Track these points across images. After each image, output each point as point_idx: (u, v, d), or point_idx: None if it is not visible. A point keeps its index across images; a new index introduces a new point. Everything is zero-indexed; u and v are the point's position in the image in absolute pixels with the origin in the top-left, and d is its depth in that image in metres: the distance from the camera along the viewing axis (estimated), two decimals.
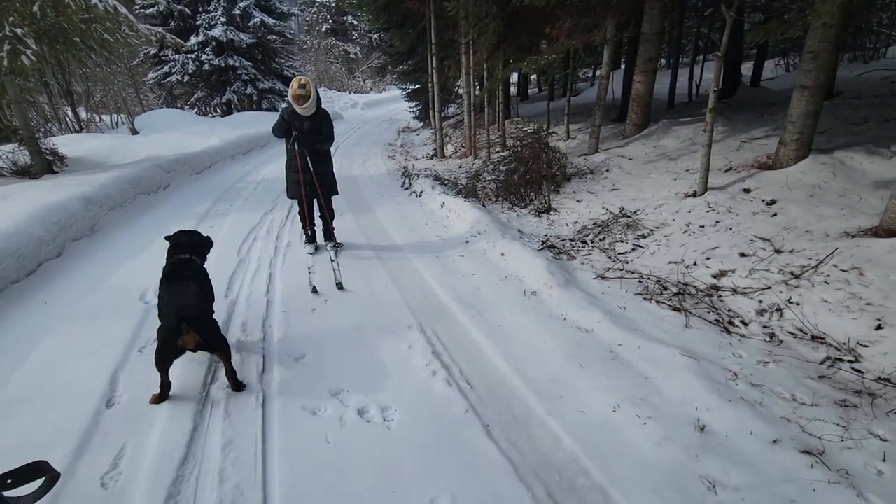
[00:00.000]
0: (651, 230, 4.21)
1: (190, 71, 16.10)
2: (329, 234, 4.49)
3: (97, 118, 16.27)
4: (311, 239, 4.52)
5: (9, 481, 0.60)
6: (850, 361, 2.43)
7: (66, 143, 8.49)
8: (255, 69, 17.09)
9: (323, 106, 4.21)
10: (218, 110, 17.32)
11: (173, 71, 16.24)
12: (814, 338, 2.65)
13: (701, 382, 2.30)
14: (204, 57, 16.11)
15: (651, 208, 4.55)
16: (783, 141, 4.25)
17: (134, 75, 17.79)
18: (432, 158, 9.49)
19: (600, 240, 4.35)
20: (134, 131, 13.37)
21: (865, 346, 2.48)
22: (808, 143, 4.17)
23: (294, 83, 3.86)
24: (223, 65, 16.37)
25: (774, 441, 1.94)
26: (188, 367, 2.68)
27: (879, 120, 4.99)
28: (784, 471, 1.81)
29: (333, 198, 4.46)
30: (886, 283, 2.70)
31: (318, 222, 4.55)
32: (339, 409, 2.35)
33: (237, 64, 16.44)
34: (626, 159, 6.04)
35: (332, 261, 4.10)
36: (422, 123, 14.88)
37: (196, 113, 16.59)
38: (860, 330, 2.56)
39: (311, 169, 4.07)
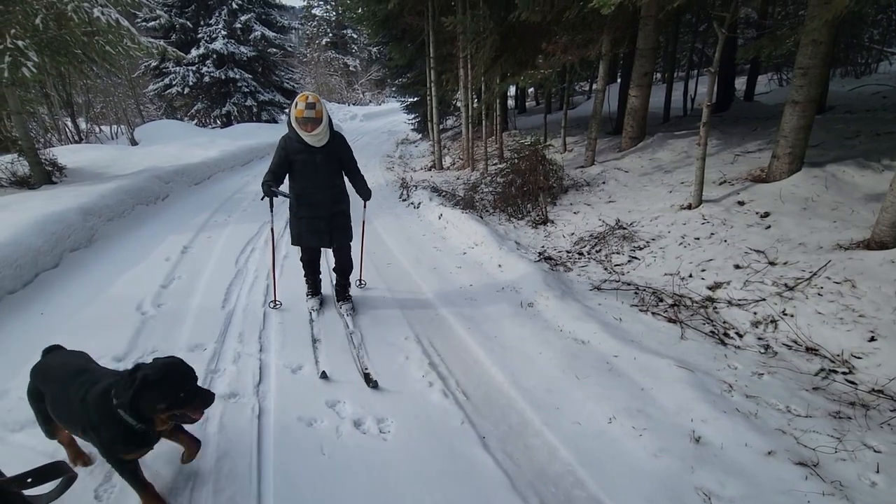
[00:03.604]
0: (647, 242, 4.24)
1: (190, 83, 16.23)
2: (344, 293, 3.55)
3: (97, 129, 16.37)
4: (315, 290, 3.56)
5: (29, 480, 0.62)
6: (843, 373, 2.45)
7: (65, 154, 8.53)
8: (255, 81, 17.25)
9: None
10: (217, 122, 17.43)
11: (174, 83, 16.37)
12: (808, 349, 2.66)
13: (696, 394, 2.31)
14: (204, 69, 16.26)
15: (647, 220, 4.59)
16: (776, 154, 4.31)
17: (134, 87, 17.94)
18: (430, 170, 9.56)
19: (596, 251, 4.38)
20: (133, 142, 13.45)
21: (859, 358, 2.50)
22: (800, 157, 4.24)
23: (299, 102, 2.84)
24: (223, 77, 16.52)
25: (769, 452, 1.94)
26: None
27: (870, 134, 5.06)
28: (779, 482, 1.81)
29: None
30: (878, 296, 2.73)
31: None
32: (335, 420, 2.35)
33: (237, 76, 16.60)
34: (622, 172, 6.10)
35: (349, 333, 3.15)
36: (420, 135, 15.00)
37: (196, 124, 16.70)
38: (854, 342, 2.58)
39: (329, 212, 3.19)
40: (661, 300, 3.38)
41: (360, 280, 3.89)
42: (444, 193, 6.83)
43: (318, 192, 3.13)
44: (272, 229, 3.56)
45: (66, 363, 1.91)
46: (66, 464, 0.66)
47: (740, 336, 2.89)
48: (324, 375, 2.68)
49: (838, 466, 1.87)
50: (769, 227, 3.75)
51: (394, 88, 15.11)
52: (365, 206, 3.48)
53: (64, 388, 1.77)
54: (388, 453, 2.13)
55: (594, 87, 6.81)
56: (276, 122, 18.00)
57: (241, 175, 9.70)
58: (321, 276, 3.62)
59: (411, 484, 1.96)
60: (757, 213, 3.97)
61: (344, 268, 3.48)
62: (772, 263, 3.36)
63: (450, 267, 4.33)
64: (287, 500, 1.88)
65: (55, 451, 2.08)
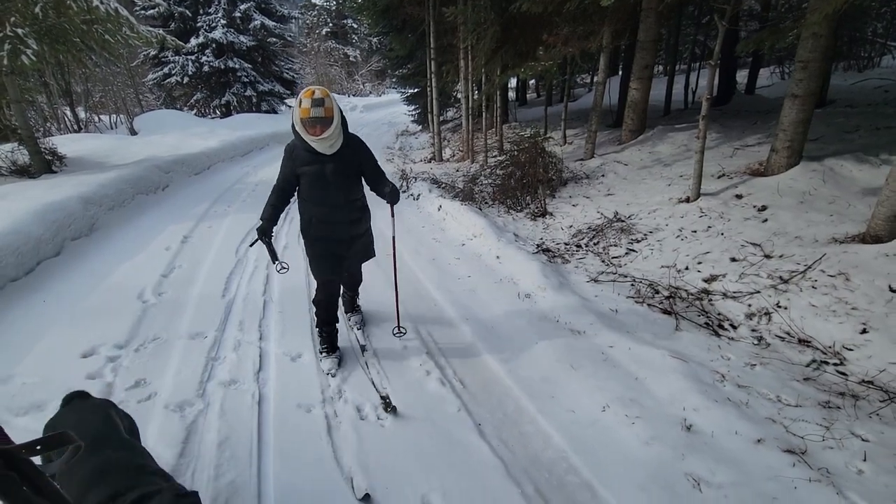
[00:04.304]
0: (644, 235, 4.26)
1: (190, 72, 16.16)
2: (353, 303, 3.26)
3: (96, 118, 16.31)
4: (332, 345, 2.83)
5: (38, 447, 0.65)
6: (834, 364, 2.48)
7: (65, 143, 8.52)
8: (254, 71, 17.17)
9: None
10: (217, 112, 17.38)
11: (173, 72, 16.30)
12: (800, 341, 2.70)
13: (689, 384, 2.34)
14: (204, 59, 16.18)
15: (645, 213, 4.61)
16: (775, 148, 4.32)
17: (133, 76, 17.86)
18: (430, 162, 9.55)
19: (594, 244, 4.40)
20: (133, 132, 13.41)
21: (850, 350, 2.54)
22: (798, 151, 4.24)
23: (303, 99, 2.25)
24: (223, 66, 16.44)
25: (759, 440, 1.98)
26: (186, 365, 2.71)
27: (870, 128, 5.07)
28: (767, 469, 1.85)
29: None
30: (872, 289, 2.76)
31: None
32: (334, 407, 2.39)
33: (237, 66, 16.52)
34: (621, 164, 6.11)
35: (360, 348, 2.92)
36: (420, 127, 14.96)
37: (195, 114, 16.65)
38: (846, 334, 2.61)
39: (347, 234, 2.66)
40: (657, 292, 3.41)
41: (399, 327, 2.99)
42: (443, 185, 6.84)
43: (332, 211, 2.55)
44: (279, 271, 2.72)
45: (84, 424, 1.43)
46: (72, 434, 0.69)
47: (734, 328, 2.93)
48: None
49: (826, 454, 1.91)
50: (766, 220, 3.77)
51: (394, 79, 15.04)
52: (393, 215, 2.78)
53: (71, 472, 1.24)
54: (387, 439, 2.17)
55: (595, 79, 6.78)
56: (276, 112, 17.94)
57: (241, 166, 9.69)
58: (338, 326, 2.90)
59: (408, 469, 2.01)
60: (754, 207, 3.99)
61: (354, 283, 3.13)
62: (767, 256, 3.39)
63: (448, 258, 4.35)
64: (287, 485, 1.93)
65: None
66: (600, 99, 6.57)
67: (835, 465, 1.85)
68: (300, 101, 2.28)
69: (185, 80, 16.38)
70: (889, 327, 2.54)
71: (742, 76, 9.87)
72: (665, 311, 3.15)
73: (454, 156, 9.74)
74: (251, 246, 2.62)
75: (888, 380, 2.30)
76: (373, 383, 2.58)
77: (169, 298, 3.61)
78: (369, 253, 2.91)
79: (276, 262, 2.57)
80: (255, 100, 17.28)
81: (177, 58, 16.15)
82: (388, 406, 2.36)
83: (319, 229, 2.60)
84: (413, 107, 14.81)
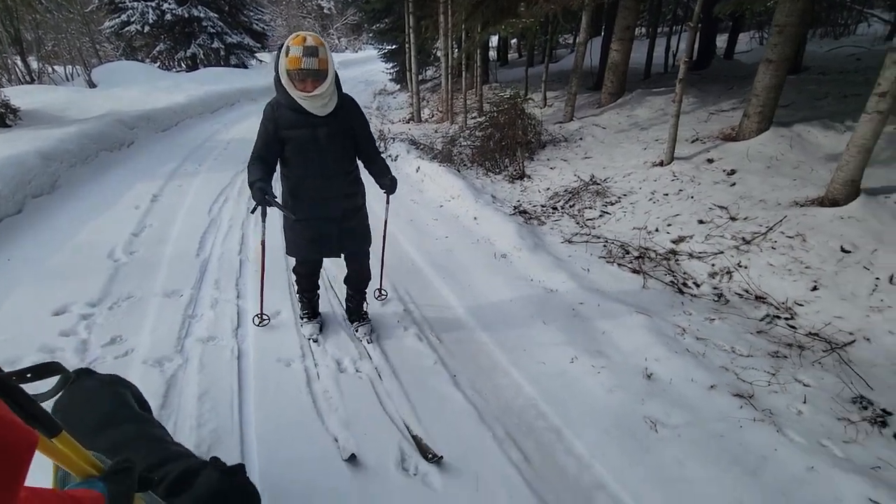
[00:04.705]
0: (619, 198, 4.36)
1: (150, 20, 15.09)
2: (359, 311, 2.74)
3: (49, 69, 15.22)
4: (313, 311, 2.72)
5: (28, 375, 0.67)
6: (786, 319, 2.66)
7: (18, 95, 7.98)
8: (221, 21, 16.16)
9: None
10: (182, 65, 16.42)
11: (132, 20, 15.19)
12: (757, 298, 2.87)
13: (652, 337, 2.49)
14: (166, 5, 15.10)
15: (620, 176, 4.69)
16: (747, 113, 4.40)
17: (89, 23, 16.58)
18: (408, 122, 9.35)
19: (570, 206, 4.48)
20: (91, 84, 12.62)
21: (801, 305, 2.72)
22: (769, 117, 4.34)
23: (292, 46, 1.91)
24: (186, 15, 15.40)
25: (712, 386, 2.15)
26: (162, 323, 2.71)
27: (838, 96, 5.19)
28: (717, 412, 2.02)
29: None
30: (825, 249, 2.93)
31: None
32: (313, 361, 2.45)
33: (202, 15, 15.50)
34: (599, 128, 6.13)
35: (375, 371, 2.39)
36: (398, 86, 14.52)
37: (159, 67, 15.70)
38: (798, 291, 2.79)
39: (340, 210, 2.32)
40: (628, 252, 3.53)
41: (381, 289, 3.01)
42: (421, 146, 6.75)
43: (325, 183, 2.22)
44: (263, 243, 2.44)
45: (94, 401, 1.33)
46: (61, 364, 0.71)
47: (697, 286, 3.08)
48: (353, 457, 1.89)
49: (770, 398, 2.08)
50: (734, 184, 3.90)
51: (371, 34, 14.41)
52: (388, 203, 2.60)
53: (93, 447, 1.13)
54: (364, 390, 2.26)
55: (577, 39, 6.65)
56: (245, 66, 17.08)
57: (211, 123, 9.30)
58: (319, 292, 2.75)
59: (385, 416, 2.10)
60: (724, 171, 4.11)
61: (360, 280, 2.64)
62: (733, 219, 3.53)
63: (426, 219, 4.37)
64: (268, 434, 2.00)
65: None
66: (581, 60, 6.50)
67: (777, 407, 2.03)
68: (287, 49, 1.92)
69: (146, 28, 15.31)
70: (837, 285, 2.72)
71: (722, 41, 9.85)
72: (634, 271, 3.28)
73: (433, 116, 9.57)
74: (253, 212, 2.19)
75: (832, 332, 2.48)
76: (399, 430, 2.05)
77: (141, 257, 3.54)
78: (367, 236, 2.52)
79: (291, 215, 2.17)
80: (222, 53, 16.36)
81: (135, 3, 15.02)
82: (432, 457, 1.89)
83: (309, 206, 2.24)
84: (391, 64, 14.30)
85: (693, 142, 4.83)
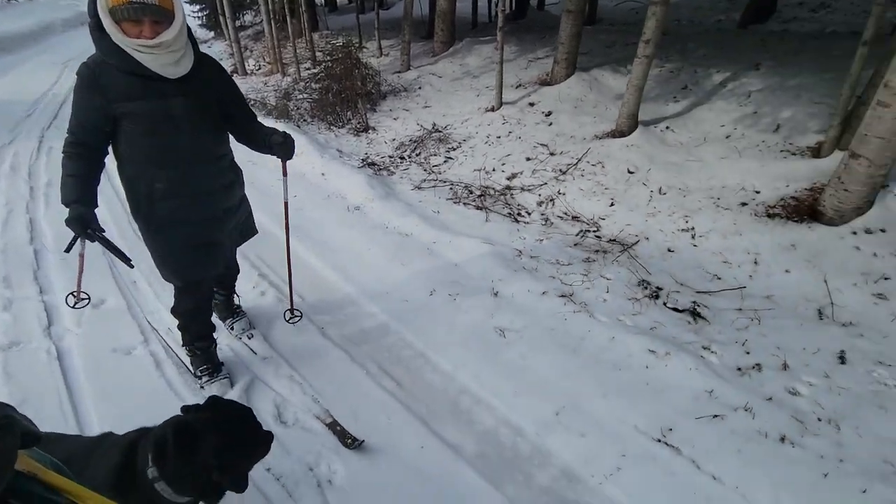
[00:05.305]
0: (459, 143, 4.65)
1: None
2: (230, 305, 2.38)
3: None
4: (216, 365, 2.06)
5: None
6: (594, 231, 3.27)
7: None
8: None
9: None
10: None
11: None
12: (573, 218, 3.44)
13: (495, 262, 2.84)
14: None
15: (459, 123, 4.98)
16: (556, 60, 5.00)
17: None
18: (232, 75, 8.34)
19: (416, 154, 4.64)
20: None
21: (603, 219, 3.35)
22: (573, 63, 5.00)
23: None
24: None
25: (543, 293, 2.57)
26: None
27: (623, 44, 6.16)
28: (548, 312, 2.45)
29: None
30: (617, 172, 3.62)
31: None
32: (162, 345, 2.23)
33: None
34: (435, 77, 6.32)
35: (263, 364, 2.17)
36: (212, 34, 12.69)
37: None
38: (601, 208, 3.43)
39: (222, 208, 1.84)
40: (471, 192, 3.86)
41: (293, 310, 2.32)
42: (253, 102, 6.14)
43: (189, 175, 1.66)
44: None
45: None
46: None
47: (528, 214, 3.56)
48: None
49: (585, 293, 2.59)
50: (551, 124, 4.48)
51: None
52: (285, 173, 2.10)
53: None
54: (224, 358, 2.16)
55: None
56: None
57: None
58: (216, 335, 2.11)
59: (259, 374, 2.06)
60: (543, 113, 4.67)
61: (232, 278, 2.28)
62: (552, 154, 4.08)
63: (269, 181, 4.09)
64: (119, 421, 1.80)
65: None
66: (411, 7, 6.50)
67: (589, 299, 2.55)
68: None
69: None
70: (627, 199, 3.41)
71: None
72: (477, 208, 3.62)
73: (259, 68, 8.70)
74: (67, 251, 1.62)
75: (624, 237, 3.14)
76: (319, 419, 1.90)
77: None
78: (249, 230, 2.12)
79: (128, 261, 1.66)
80: None
81: None
82: (351, 441, 1.78)
83: (171, 207, 1.67)
84: (198, 6, 12.35)
85: (517, 87, 5.33)
